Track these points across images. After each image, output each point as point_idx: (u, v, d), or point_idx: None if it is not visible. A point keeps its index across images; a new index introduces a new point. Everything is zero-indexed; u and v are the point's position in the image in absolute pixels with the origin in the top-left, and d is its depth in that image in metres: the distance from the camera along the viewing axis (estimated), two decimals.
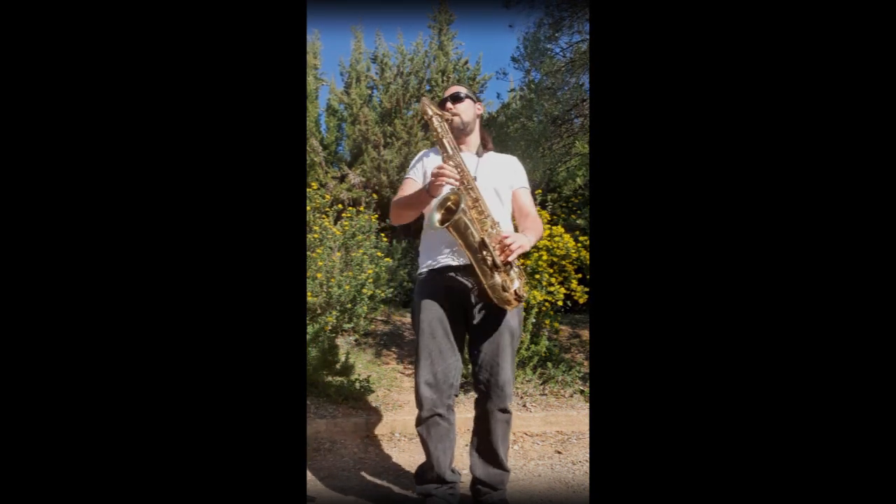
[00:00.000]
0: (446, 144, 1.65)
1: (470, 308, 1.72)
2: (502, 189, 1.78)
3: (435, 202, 1.60)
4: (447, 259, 1.71)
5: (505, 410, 1.72)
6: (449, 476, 1.74)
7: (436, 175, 1.56)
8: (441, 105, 1.79)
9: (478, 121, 1.85)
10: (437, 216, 1.56)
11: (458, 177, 1.58)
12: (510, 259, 1.58)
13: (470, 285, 1.69)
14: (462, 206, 1.52)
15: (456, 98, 1.79)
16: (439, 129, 1.66)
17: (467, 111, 1.79)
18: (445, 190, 1.58)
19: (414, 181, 1.82)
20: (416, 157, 1.88)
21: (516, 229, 1.81)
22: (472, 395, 1.86)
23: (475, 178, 1.68)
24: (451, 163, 1.62)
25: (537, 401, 2.79)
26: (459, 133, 1.78)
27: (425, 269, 1.76)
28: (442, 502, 1.71)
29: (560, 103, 4.04)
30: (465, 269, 1.68)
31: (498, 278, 1.59)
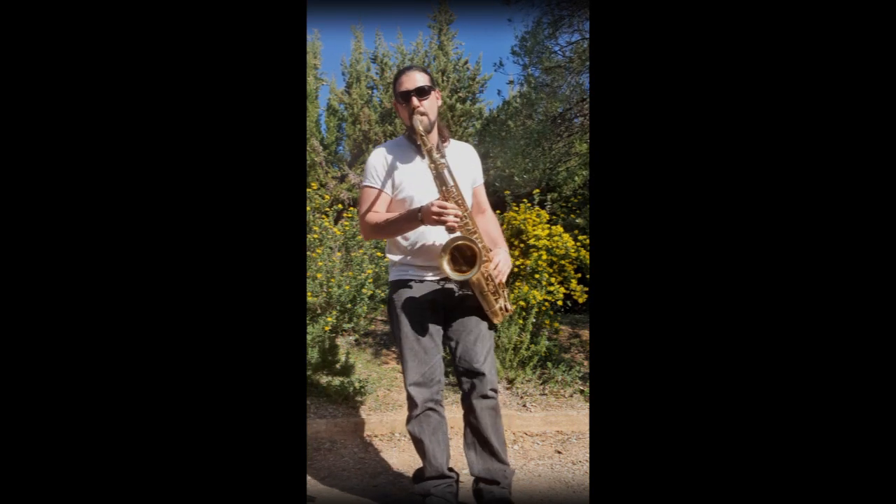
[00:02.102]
0: (446, 177, 1.55)
1: (445, 303, 1.73)
2: (466, 190, 1.72)
3: (441, 246, 1.55)
4: (419, 270, 1.72)
5: (486, 396, 1.70)
6: (447, 473, 1.74)
7: (438, 214, 1.49)
8: (404, 98, 1.63)
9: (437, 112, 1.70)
10: (447, 264, 1.52)
11: (461, 215, 1.53)
12: (503, 280, 1.68)
13: (444, 289, 1.71)
14: (479, 262, 1.52)
15: (422, 92, 1.61)
16: (437, 162, 1.54)
17: (432, 108, 1.64)
18: (445, 223, 1.51)
19: (379, 192, 1.69)
20: (374, 160, 1.71)
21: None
22: (457, 393, 1.86)
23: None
24: (451, 199, 1.54)
25: (537, 401, 2.79)
26: (424, 133, 1.62)
27: (398, 280, 1.74)
28: (441, 501, 1.71)
29: (560, 102, 4.04)
30: (438, 279, 1.71)
31: (497, 304, 1.68)
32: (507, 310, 1.72)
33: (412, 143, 1.73)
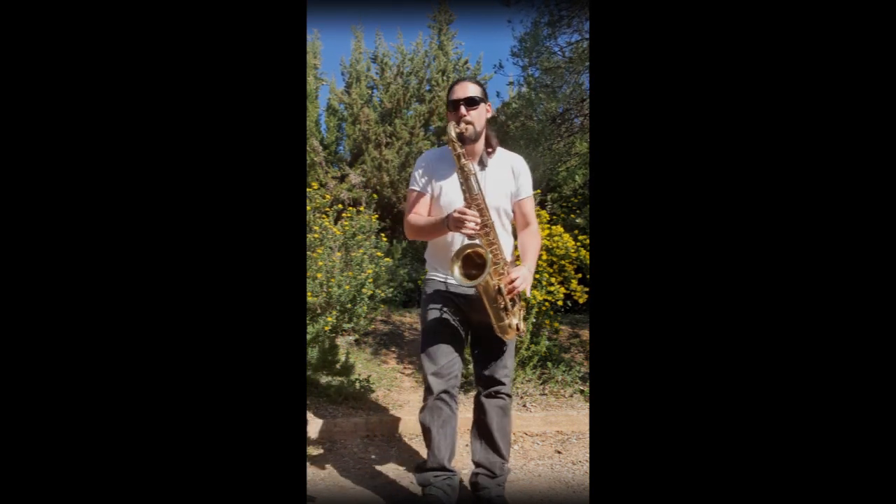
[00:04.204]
0: (471, 185, 1.60)
1: (471, 312, 1.78)
2: (506, 204, 1.78)
3: (454, 250, 1.62)
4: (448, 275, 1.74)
5: (492, 395, 1.81)
6: (447, 466, 1.78)
7: (458, 220, 1.55)
8: (454, 106, 1.70)
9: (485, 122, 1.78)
10: (457, 269, 1.58)
11: (479, 223, 1.56)
12: (516, 298, 1.67)
13: (472, 294, 1.74)
14: (488, 268, 1.55)
15: (471, 102, 1.69)
16: (466, 168, 1.59)
17: (480, 118, 1.71)
18: (464, 229, 1.56)
19: (421, 193, 1.78)
20: (419, 165, 1.80)
21: (515, 236, 1.86)
22: (473, 394, 1.91)
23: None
24: (473, 207, 1.59)
25: (537, 401, 2.79)
26: (468, 141, 1.70)
27: (432, 277, 1.83)
28: (439, 492, 1.74)
29: (560, 102, 4.04)
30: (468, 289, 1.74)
31: (506, 320, 1.67)
32: (518, 329, 1.71)
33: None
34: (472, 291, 1.73)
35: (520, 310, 1.73)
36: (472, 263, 1.60)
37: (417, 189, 1.78)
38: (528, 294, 1.72)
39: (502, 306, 1.65)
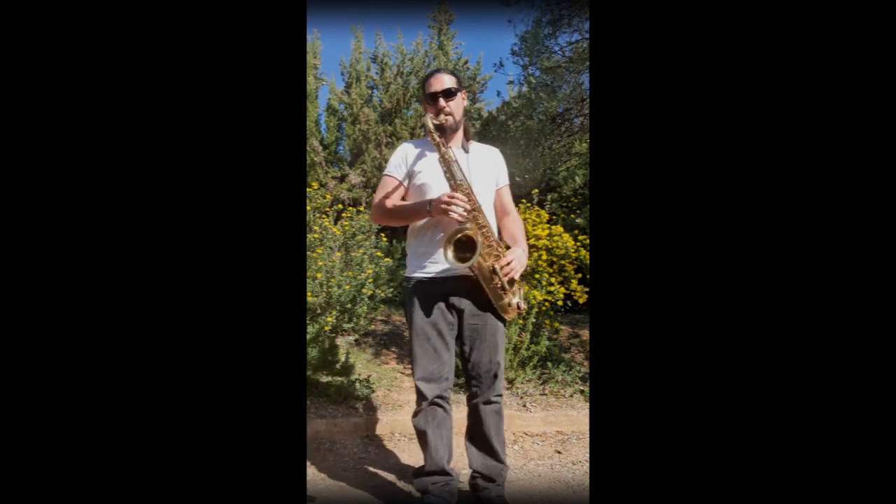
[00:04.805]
0: (455, 171, 1.61)
1: (461, 306, 1.74)
2: (488, 191, 1.79)
3: (445, 235, 1.63)
4: (437, 268, 1.72)
5: (491, 402, 1.78)
6: (447, 469, 1.76)
7: (447, 204, 1.55)
8: (432, 98, 1.71)
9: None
10: (451, 253, 1.59)
11: (469, 208, 1.57)
12: (514, 277, 1.68)
13: (461, 291, 1.72)
14: (479, 250, 1.56)
15: (449, 94, 1.70)
16: (447, 156, 1.60)
17: (458, 108, 1.73)
18: (453, 214, 1.57)
19: (396, 181, 1.77)
20: (397, 153, 1.80)
21: (499, 229, 1.86)
22: (467, 394, 1.89)
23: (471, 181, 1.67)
24: (460, 192, 1.59)
25: (537, 401, 2.79)
26: (448, 132, 1.71)
27: (415, 276, 1.76)
28: (438, 499, 1.72)
29: (560, 102, 4.04)
30: (456, 278, 1.71)
31: (505, 298, 1.69)
32: (519, 308, 1.73)
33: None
34: (462, 273, 1.70)
35: (519, 288, 1.73)
36: (464, 247, 1.61)
37: (395, 178, 1.77)
38: (518, 273, 1.70)
39: (499, 286, 1.66)
